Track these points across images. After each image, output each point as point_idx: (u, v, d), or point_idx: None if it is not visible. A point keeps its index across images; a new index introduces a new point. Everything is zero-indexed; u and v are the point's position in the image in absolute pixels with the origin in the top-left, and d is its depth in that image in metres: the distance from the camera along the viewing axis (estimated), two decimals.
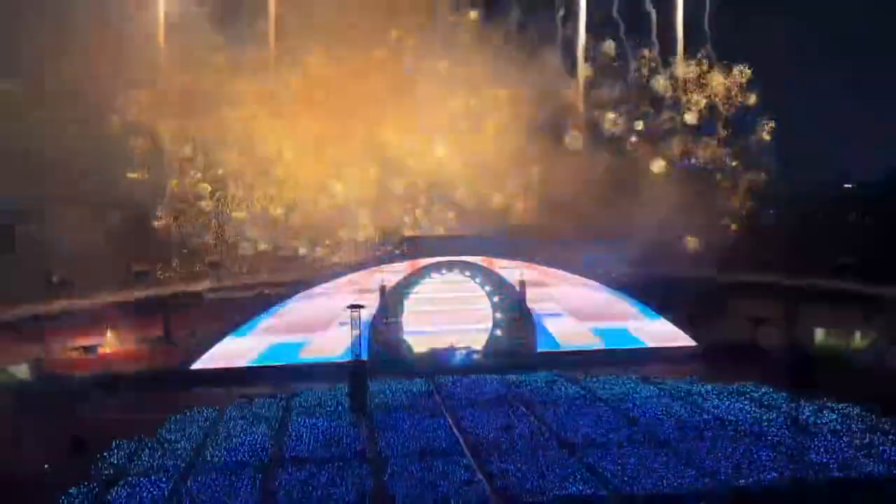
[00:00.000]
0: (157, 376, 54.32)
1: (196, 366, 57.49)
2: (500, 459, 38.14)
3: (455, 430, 43.34)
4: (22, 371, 55.64)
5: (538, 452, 38.94)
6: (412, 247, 64.88)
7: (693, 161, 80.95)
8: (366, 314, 54.52)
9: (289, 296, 61.38)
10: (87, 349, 60.52)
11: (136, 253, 68.81)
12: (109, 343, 62.42)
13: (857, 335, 61.87)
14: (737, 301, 68.58)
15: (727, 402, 47.62)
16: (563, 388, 52.26)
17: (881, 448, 38.42)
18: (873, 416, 43.32)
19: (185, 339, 62.75)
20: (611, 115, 79.69)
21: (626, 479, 35.22)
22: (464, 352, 61.22)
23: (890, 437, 40.08)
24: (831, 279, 65.51)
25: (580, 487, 34.45)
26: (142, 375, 54.42)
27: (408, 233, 67.26)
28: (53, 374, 55.02)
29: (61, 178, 62.51)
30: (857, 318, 62.13)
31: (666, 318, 63.26)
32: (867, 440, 39.65)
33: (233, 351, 58.43)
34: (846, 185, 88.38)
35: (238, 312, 61.06)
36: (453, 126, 73.72)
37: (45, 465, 37.43)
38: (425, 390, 52.43)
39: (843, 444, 39.01)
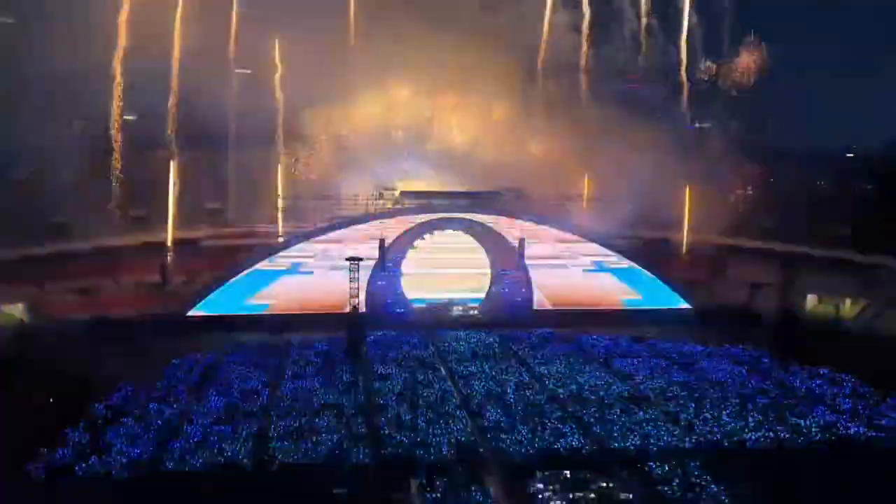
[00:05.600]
0: (155, 321, 54.50)
1: (193, 312, 57.80)
2: (492, 413, 38.77)
3: (449, 383, 44.03)
4: (19, 311, 55.94)
5: (529, 407, 39.59)
6: (411, 201, 64.70)
7: (697, 125, 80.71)
8: (364, 267, 54.72)
9: (288, 245, 61.35)
10: (84, 292, 60.56)
11: (134, 198, 68.43)
12: (107, 287, 62.43)
13: (848, 303, 62.40)
14: (734, 266, 69.08)
15: (717, 364, 48.36)
16: (557, 345, 52.90)
17: (865, 412, 39.21)
18: (859, 382, 43.98)
19: (183, 285, 62.88)
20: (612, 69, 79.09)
21: (614, 435, 35.95)
22: (461, 307, 61.66)
23: (873, 401, 40.90)
24: (829, 247, 65.93)
25: (570, 442, 35.15)
26: (139, 320, 54.62)
27: (407, 187, 66.87)
28: (51, 315, 55.26)
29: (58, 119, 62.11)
30: (852, 285, 62.63)
31: (661, 279, 63.52)
32: (851, 405, 40.39)
33: (230, 298, 58.75)
34: (849, 155, 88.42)
35: (236, 260, 61.07)
36: (454, 86, 73.03)
37: (50, 399, 38.01)
38: (421, 343, 52.92)
39: (827, 409, 39.75)
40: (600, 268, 63.54)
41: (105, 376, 42.82)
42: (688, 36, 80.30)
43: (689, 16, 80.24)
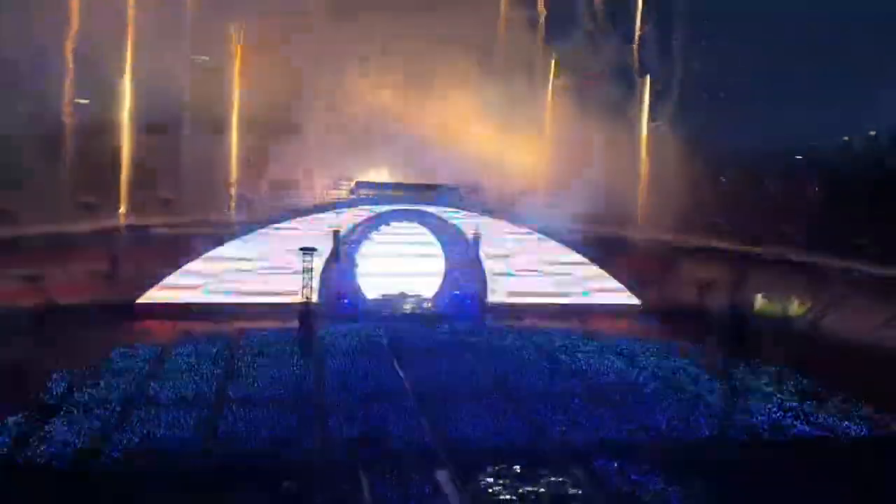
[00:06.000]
0: (102, 309, 53.48)
1: (141, 300, 56.89)
2: (444, 406, 38.82)
3: (401, 376, 43.99)
4: None
5: (481, 401, 39.70)
6: (367, 192, 64.53)
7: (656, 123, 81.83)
8: (317, 258, 54.42)
9: (240, 234, 60.71)
10: (31, 279, 59.16)
11: (84, 184, 67.03)
12: (54, 274, 61.07)
13: (795, 302, 63.76)
14: (684, 264, 70.13)
15: (665, 361, 49.07)
16: (508, 339, 53.22)
17: (808, 411, 39.92)
18: (803, 380, 44.97)
19: (131, 273, 61.77)
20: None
21: (564, 429, 36.16)
22: (414, 300, 61.67)
23: (817, 400, 41.74)
24: (777, 247, 67.26)
25: (521, 437, 35.30)
26: (86, 307, 53.58)
27: (362, 177, 66.68)
28: None
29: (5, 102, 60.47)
30: (800, 285, 63.99)
31: (612, 275, 64.23)
32: (796, 403, 41.18)
33: (179, 286, 57.94)
34: (797, 157, 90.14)
35: (186, 248, 60.26)
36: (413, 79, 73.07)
37: None
38: (374, 335, 52.80)
39: (772, 406, 40.48)
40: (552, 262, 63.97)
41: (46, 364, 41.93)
42: (642, 35, 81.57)
43: (644, 15, 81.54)
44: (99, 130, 70.88)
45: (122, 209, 68.30)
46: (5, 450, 31.85)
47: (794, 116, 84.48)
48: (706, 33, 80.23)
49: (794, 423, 38.25)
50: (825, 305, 61.19)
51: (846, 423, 38.37)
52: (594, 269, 64.43)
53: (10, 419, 34.59)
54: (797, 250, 66.07)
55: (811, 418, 38.93)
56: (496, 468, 31.18)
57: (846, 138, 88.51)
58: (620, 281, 64.31)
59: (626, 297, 64.15)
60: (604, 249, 66.48)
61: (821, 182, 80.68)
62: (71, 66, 66.47)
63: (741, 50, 79.65)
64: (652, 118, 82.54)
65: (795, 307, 63.86)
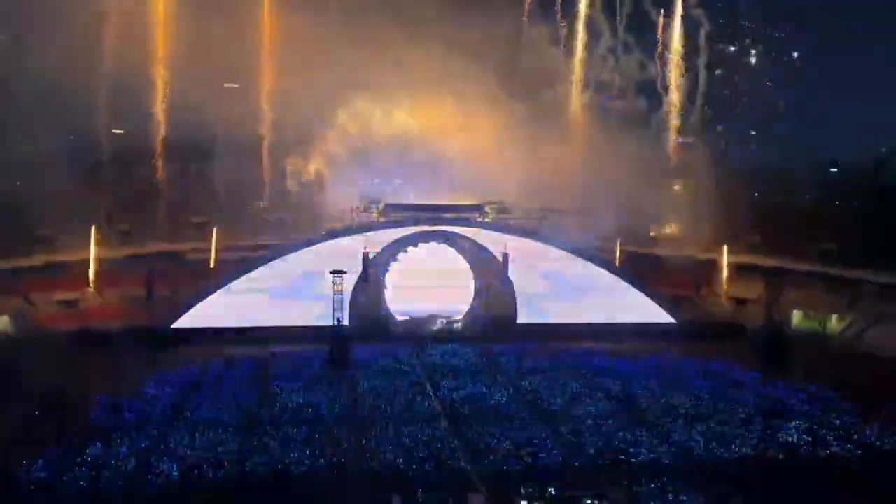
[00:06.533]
0: (139, 333, 54.27)
1: (178, 324, 57.57)
2: (476, 427, 38.61)
3: (433, 397, 43.89)
4: (4, 323, 55.64)
5: (514, 421, 39.45)
6: (396, 214, 64.83)
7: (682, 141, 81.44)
8: (348, 280, 54.69)
9: (271, 258, 61.24)
10: (69, 304, 60.33)
11: (121, 210, 68.41)
12: (92, 299, 62.24)
13: (834, 318, 62.65)
14: (718, 281, 69.42)
15: (702, 379, 48.26)
16: (540, 359, 52.74)
17: (849, 429, 39.03)
18: (843, 398, 43.94)
19: (167, 298, 62.65)
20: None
21: (598, 450, 35.77)
22: (444, 321, 61.61)
23: (857, 418, 40.72)
24: (815, 262, 66.21)
25: (554, 457, 34.98)
26: (124, 332, 54.38)
27: (392, 200, 67.06)
28: (36, 327, 54.99)
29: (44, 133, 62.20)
30: (837, 301, 62.91)
31: (646, 294, 63.58)
32: (836, 421, 40.26)
33: (214, 311, 58.53)
34: (832, 170, 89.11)
35: (221, 273, 60.94)
36: (446, 96, 73.51)
37: (35, 412, 37.84)
38: (405, 357, 52.80)
39: (812, 424, 39.55)
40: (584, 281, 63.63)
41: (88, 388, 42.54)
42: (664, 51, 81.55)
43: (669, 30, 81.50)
44: (134, 158, 72.45)
45: (156, 234, 69.43)
46: (47, 474, 32.16)
47: (829, 129, 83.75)
48: (738, 47, 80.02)
49: (835, 441, 37.47)
50: (865, 321, 60.11)
51: (888, 440, 37.49)
52: (626, 287, 63.73)
53: (53, 443, 35.06)
54: (837, 266, 64.99)
55: (853, 436, 38.11)
56: (530, 490, 30.99)
57: (883, 150, 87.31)
58: (654, 299, 63.48)
59: (660, 316, 63.21)
60: (635, 267, 65.80)
61: (858, 196, 79.50)
62: (106, 96, 68.11)
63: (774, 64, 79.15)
64: (681, 133, 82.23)
65: (834, 323, 62.77)
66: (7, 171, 63.48)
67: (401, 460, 34.20)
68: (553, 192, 70.47)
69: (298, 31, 70.79)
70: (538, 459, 34.73)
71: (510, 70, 77.85)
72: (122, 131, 74.15)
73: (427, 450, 35.36)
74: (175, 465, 32.99)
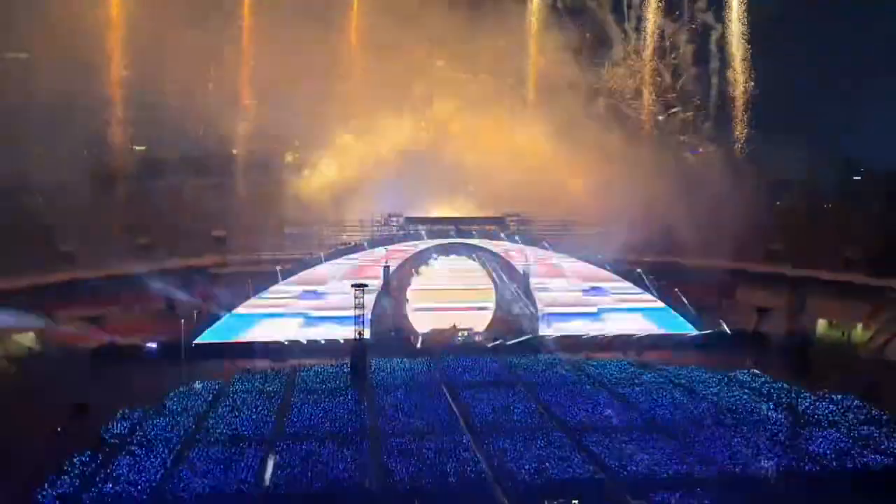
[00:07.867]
0: (162, 349, 54.55)
1: (200, 339, 57.81)
2: (499, 440, 38.38)
3: (455, 410, 43.66)
4: (28, 340, 56.16)
5: (536, 434, 39.20)
6: (416, 227, 64.86)
7: (701, 150, 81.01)
8: (369, 293, 54.72)
9: (293, 272, 61.40)
10: (92, 320, 60.72)
11: (142, 226, 68.89)
12: (114, 315, 62.59)
13: (860, 327, 61.77)
14: (741, 290, 68.67)
15: (726, 391, 47.66)
16: (562, 372, 52.41)
17: (878, 439, 38.46)
18: (871, 408, 43.31)
19: (190, 313, 62.87)
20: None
21: (622, 463, 35.42)
22: (466, 333, 61.43)
23: (885, 428, 40.15)
24: (839, 271, 65.33)
25: (577, 470, 34.67)
26: (146, 347, 54.68)
27: (412, 213, 67.10)
28: (60, 343, 55.45)
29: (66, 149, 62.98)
30: (862, 310, 62.02)
31: (668, 304, 63.03)
32: (864, 431, 39.70)
33: (237, 326, 58.74)
34: (856, 178, 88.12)
35: (243, 287, 61.17)
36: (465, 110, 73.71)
37: (58, 428, 38.12)
38: (426, 370, 52.68)
39: (840, 435, 39.07)
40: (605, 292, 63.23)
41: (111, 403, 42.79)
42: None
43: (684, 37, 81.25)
44: (155, 174, 73.07)
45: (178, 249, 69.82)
46: (72, 489, 32.33)
47: (852, 137, 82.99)
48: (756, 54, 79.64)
49: (863, 451, 36.89)
50: (890, 330, 59.20)
51: None
52: (648, 298, 63.22)
53: (77, 457, 35.23)
54: (862, 274, 64.07)
55: (881, 446, 37.49)
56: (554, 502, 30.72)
57: None
58: (676, 309, 62.87)
59: (683, 326, 62.60)
60: (658, 278, 65.26)
61: (883, 202, 78.37)
62: (126, 113, 68.90)
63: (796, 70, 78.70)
64: (703, 142, 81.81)
65: (859, 332, 61.90)
66: (29, 188, 64.44)
67: (423, 474, 33.99)
68: (574, 203, 70.15)
69: (320, 45, 71.27)
70: (562, 472, 34.40)
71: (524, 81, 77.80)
72: (142, 148, 74.87)
73: (449, 463, 35.15)
74: (198, 480, 33.02)
